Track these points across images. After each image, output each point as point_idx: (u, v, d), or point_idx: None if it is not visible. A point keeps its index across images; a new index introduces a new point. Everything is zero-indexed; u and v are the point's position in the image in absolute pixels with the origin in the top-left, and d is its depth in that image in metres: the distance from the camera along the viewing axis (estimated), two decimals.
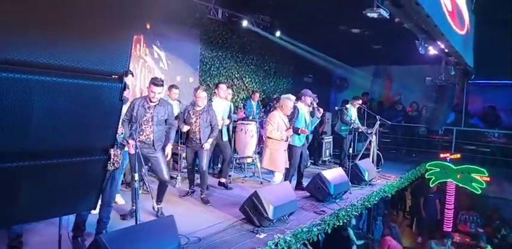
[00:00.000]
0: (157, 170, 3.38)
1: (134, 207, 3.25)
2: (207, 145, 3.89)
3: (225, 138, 4.56)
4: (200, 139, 3.88)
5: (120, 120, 2.95)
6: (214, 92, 4.72)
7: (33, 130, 1.17)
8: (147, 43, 6.00)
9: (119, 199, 3.78)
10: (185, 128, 3.89)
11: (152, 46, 6.08)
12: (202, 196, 3.97)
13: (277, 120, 3.98)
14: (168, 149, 3.43)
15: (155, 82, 3.18)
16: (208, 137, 3.89)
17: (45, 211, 1.38)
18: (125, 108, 3.22)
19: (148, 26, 5.87)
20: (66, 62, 1.19)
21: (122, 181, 4.46)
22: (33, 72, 1.13)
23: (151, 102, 3.25)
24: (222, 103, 4.58)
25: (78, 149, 1.33)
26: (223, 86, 4.61)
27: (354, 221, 5.38)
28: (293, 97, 4.16)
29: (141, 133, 3.22)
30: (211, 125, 3.92)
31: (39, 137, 1.20)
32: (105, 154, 1.40)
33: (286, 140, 4.03)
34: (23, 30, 1.10)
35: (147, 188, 3.81)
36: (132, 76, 3.32)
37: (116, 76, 1.32)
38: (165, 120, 3.36)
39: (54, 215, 1.79)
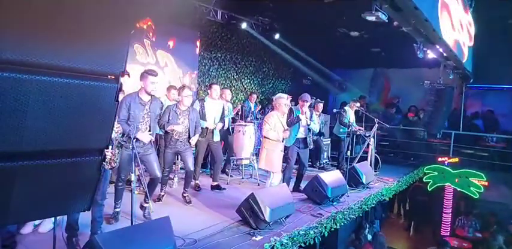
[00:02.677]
0: (150, 168, 3.28)
1: (117, 210, 3.26)
2: (195, 140, 3.83)
3: (216, 139, 4.46)
4: (186, 140, 3.79)
5: (116, 121, 2.92)
6: (208, 92, 4.61)
7: (28, 130, 1.16)
8: (147, 44, 6.01)
9: None
10: (179, 128, 3.70)
11: (152, 47, 6.09)
12: (185, 195, 3.94)
13: (274, 120, 3.99)
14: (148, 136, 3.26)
15: (151, 72, 3.07)
16: (194, 134, 3.82)
17: (38, 211, 1.37)
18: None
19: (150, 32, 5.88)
20: (62, 62, 1.18)
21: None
22: (30, 71, 1.12)
23: (148, 95, 3.12)
24: (215, 104, 4.48)
25: (72, 149, 1.32)
26: (215, 87, 4.52)
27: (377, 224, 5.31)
28: (284, 95, 4.20)
29: (138, 131, 3.08)
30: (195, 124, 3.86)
31: (34, 137, 1.19)
32: (99, 155, 1.40)
33: (283, 141, 4.04)
34: (20, 30, 1.10)
35: (143, 188, 3.80)
36: (129, 77, 3.25)
37: (112, 77, 1.31)
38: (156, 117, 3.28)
39: (47, 216, 1.78)
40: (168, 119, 3.71)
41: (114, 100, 1.33)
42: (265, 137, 4.02)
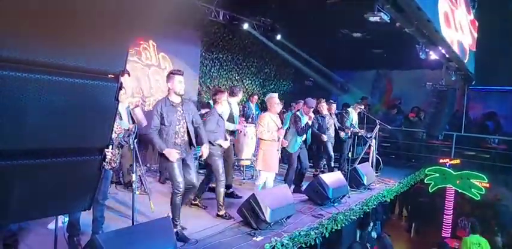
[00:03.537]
0: (187, 174, 3.08)
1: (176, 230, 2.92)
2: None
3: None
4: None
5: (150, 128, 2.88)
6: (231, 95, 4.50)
7: (27, 129, 1.16)
8: (152, 46, 6.03)
9: None
10: (226, 144, 3.60)
11: (153, 47, 6.11)
12: (196, 202, 3.84)
13: (267, 121, 4.00)
14: (206, 149, 3.18)
15: (176, 72, 2.96)
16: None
17: (39, 210, 1.37)
18: (141, 115, 3.03)
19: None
20: (61, 60, 1.18)
21: (121, 181, 4.46)
22: (29, 70, 1.12)
23: (178, 96, 2.97)
24: (236, 106, 4.52)
25: (73, 148, 1.32)
26: (241, 91, 4.62)
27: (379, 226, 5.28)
28: (275, 95, 4.23)
29: (176, 135, 2.96)
30: None
31: (34, 136, 1.19)
32: (100, 154, 1.40)
33: (278, 140, 4.04)
34: (21, 28, 1.10)
35: (145, 188, 3.80)
36: (129, 76, 3.21)
37: (112, 76, 1.31)
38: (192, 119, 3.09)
39: (48, 215, 1.78)
40: (217, 126, 3.55)
41: (114, 99, 1.33)
42: (260, 138, 4.04)
